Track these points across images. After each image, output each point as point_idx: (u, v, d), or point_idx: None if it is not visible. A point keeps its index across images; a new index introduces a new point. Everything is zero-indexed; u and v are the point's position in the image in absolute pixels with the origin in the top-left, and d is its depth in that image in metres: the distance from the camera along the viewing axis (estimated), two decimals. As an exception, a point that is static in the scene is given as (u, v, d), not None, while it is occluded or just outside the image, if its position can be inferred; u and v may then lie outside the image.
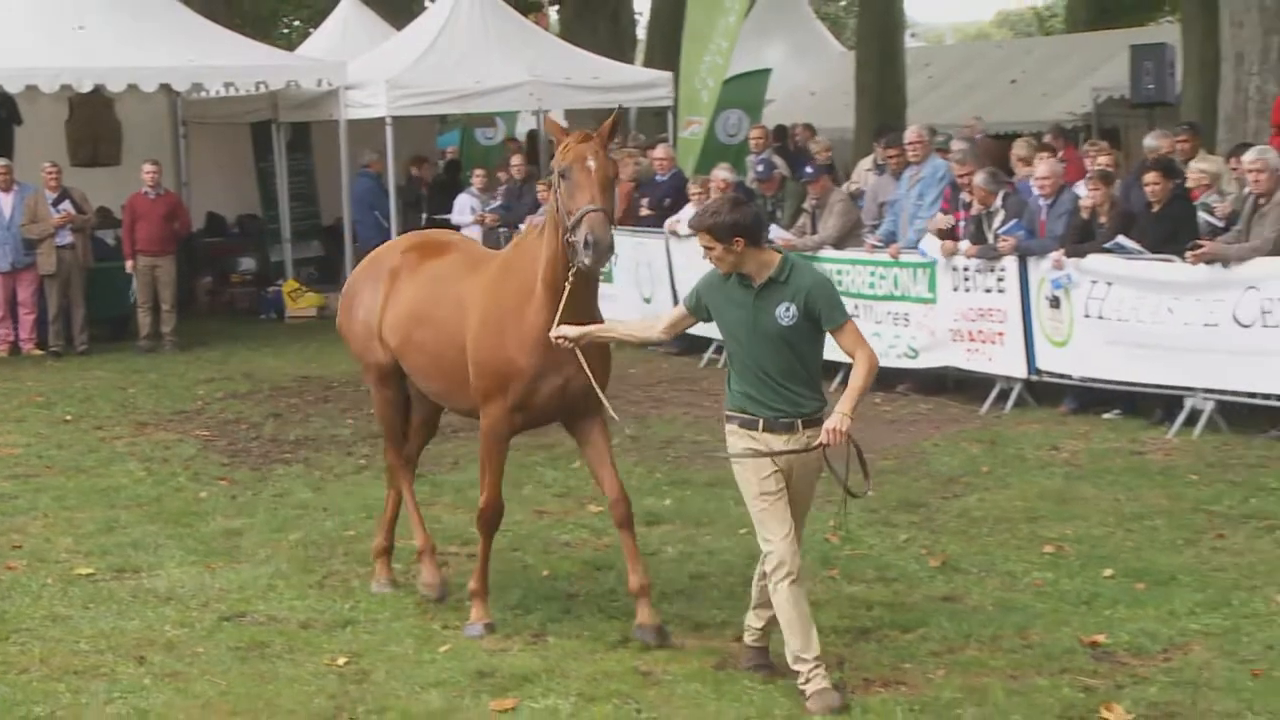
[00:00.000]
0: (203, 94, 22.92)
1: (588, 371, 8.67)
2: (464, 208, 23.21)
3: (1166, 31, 29.84)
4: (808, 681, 7.79)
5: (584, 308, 8.87)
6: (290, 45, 29.14)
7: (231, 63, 22.82)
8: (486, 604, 9.32)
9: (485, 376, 9.11)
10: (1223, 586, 9.89)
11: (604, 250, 8.55)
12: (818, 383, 8.21)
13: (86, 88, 21.96)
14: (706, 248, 8.06)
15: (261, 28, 28.30)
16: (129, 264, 21.71)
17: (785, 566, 7.82)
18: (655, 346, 16.79)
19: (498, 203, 22.91)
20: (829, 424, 7.85)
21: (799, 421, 8.04)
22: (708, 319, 8.48)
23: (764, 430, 8.03)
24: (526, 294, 9.01)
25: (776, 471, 8.02)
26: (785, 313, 7.90)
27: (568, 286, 8.67)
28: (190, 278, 23.56)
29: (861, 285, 17.38)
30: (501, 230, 22.44)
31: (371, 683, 8.58)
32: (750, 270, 8.01)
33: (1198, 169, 15.93)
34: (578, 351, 8.62)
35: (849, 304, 17.01)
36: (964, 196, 16.65)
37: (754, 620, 8.41)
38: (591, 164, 8.65)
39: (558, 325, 8.63)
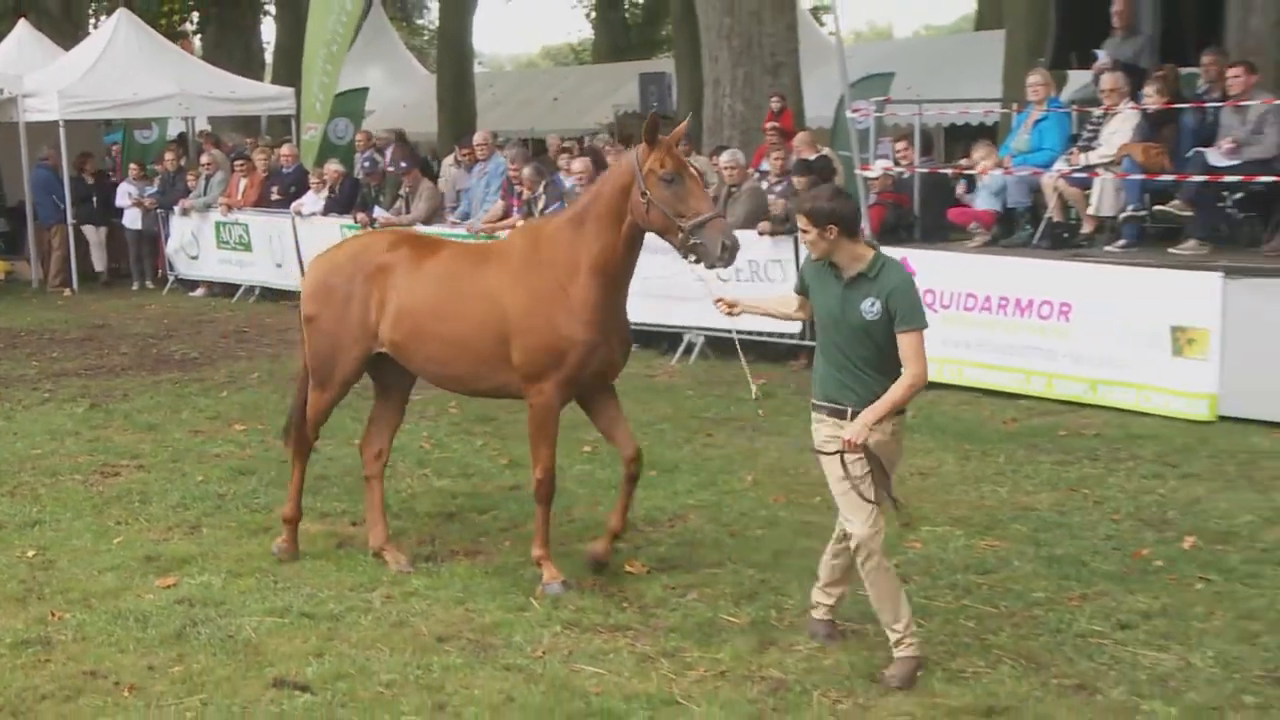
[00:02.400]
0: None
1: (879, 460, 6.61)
2: (124, 194, 22.47)
3: (665, 64, 30.58)
4: (897, 646, 6.50)
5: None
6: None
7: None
8: (552, 563, 7.82)
9: (539, 354, 7.68)
10: (711, 471, 10.18)
11: (736, 252, 7.30)
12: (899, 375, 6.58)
13: None
14: (802, 230, 6.64)
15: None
16: None
17: (864, 548, 6.47)
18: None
19: (154, 189, 22.35)
20: (845, 432, 6.44)
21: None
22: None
23: (850, 418, 6.48)
24: (568, 278, 7.68)
25: (859, 459, 6.48)
26: (870, 308, 6.45)
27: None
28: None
29: (444, 253, 17.27)
30: (159, 211, 21.88)
31: (57, 569, 8.23)
32: (842, 261, 6.56)
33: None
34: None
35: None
36: (516, 187, 16.75)
37: (823, 597, 6.99)
38: (695, 170, 7.49)
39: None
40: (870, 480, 6.49)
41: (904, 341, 6.40)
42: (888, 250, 13.19)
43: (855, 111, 14.87)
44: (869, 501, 6.49)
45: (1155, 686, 6.27)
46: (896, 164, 14.89)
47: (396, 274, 8.14)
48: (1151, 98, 13.05)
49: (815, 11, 35.75)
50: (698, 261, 7.36)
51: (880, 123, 15.31)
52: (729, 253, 7.20)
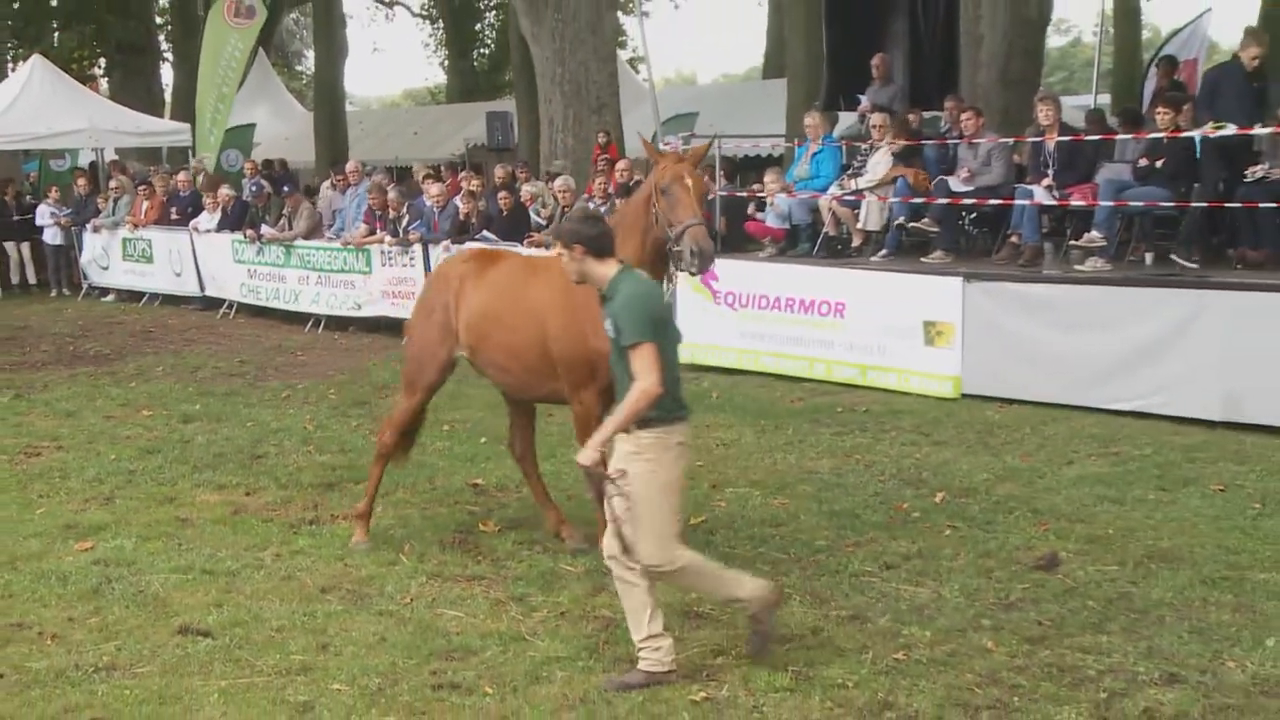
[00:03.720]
0: None
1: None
2: (44, 214, 21.70)
3: (508, 104, 30.39)
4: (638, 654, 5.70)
5: None
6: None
7: None
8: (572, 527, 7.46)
9: (576, 368, 6.99)
10: (551, 445, 10.05)
11: (708, 258, 6.59)
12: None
13: None
14: (559, 253, 5.82)
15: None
16: None
17: (614, 562, 5.69)
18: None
19: (68, 210, 21.64)
20: (579, 456, 5.60)
21: (634, 427, 5.52)
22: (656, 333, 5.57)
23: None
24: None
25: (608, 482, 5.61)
26: (610, 328, 5.63)
27: (668, 283, 6.87)
28: None
29: (323, 262, 16.97)
30: (74, 229, 21.18)
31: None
32: (594, 282, 5.73)
33: (529, 190, 16.24)
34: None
35: (314, 276, 16.99)
36: (376, 210, 16.52)
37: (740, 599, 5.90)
38: (689, 181, 6.62)
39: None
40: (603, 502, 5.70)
41: (630, 357, 5.46)
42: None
43: (666, 144, 14.91)
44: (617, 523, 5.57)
45: (914, 614, 6.40)
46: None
47: (468, 283, 7.55)
48: (880, 128, 13.40)
49: (632, 61, 35.81)
50: (678, 269, 6.82)
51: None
52: (698, 258, 6.53)
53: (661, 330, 5.57)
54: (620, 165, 15.93)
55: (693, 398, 7.52)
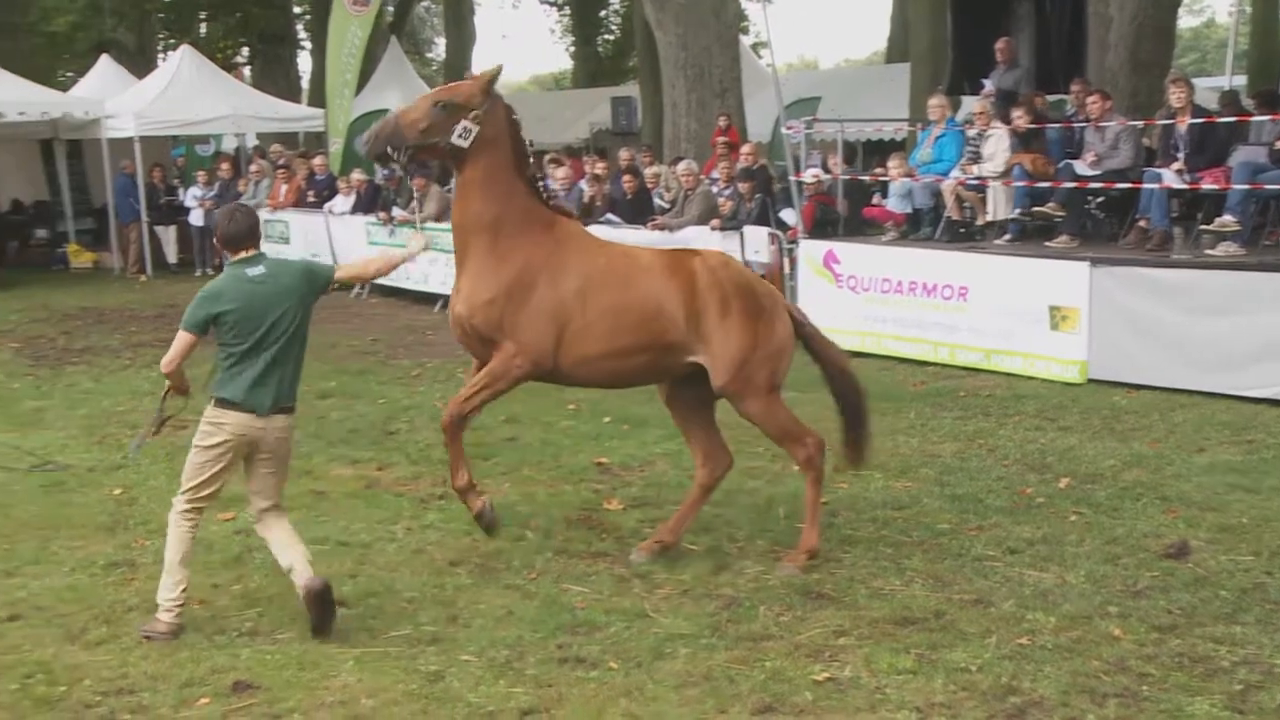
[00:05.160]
0: (3, 119, 21.45)
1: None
2: (190, 197, 22.35)
3: (632, 89, 30.37)
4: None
5: None
6: (64, 88, 27.50)
7: (21, 98, 21.53)
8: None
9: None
10: (673, 426, 10.03)
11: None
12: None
13: (-80, 114, 20.48)
14: None
15: (41, 76, 26.62)
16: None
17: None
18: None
19: (213, 193, 22.20)
20: None
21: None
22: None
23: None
24: None
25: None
26: None
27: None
28: (2, 242, 22.10)
29: (452, 245, 17.12)
30: (216, 211, 21.65)
31: (138, 505, 8.16)
32: None
33: (651, 172, 16.24)
34: None
35: (443, 257, 17.10)
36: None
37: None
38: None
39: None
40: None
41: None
42: (815, 243, 13.39)
43: (788, 129, 14.82)
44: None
45: (1038, 599, 6.27)
46: (826, 171, 14.86)
47: None
48: (1020, 118, 13.05)
49: (755, 47, 35.57)
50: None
51: (809, 138, 15.24)
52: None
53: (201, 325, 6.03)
54: (744, 149, 15.82)
55: (813, 382, 7.45)
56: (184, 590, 6.07)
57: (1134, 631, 5.85)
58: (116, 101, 23.15)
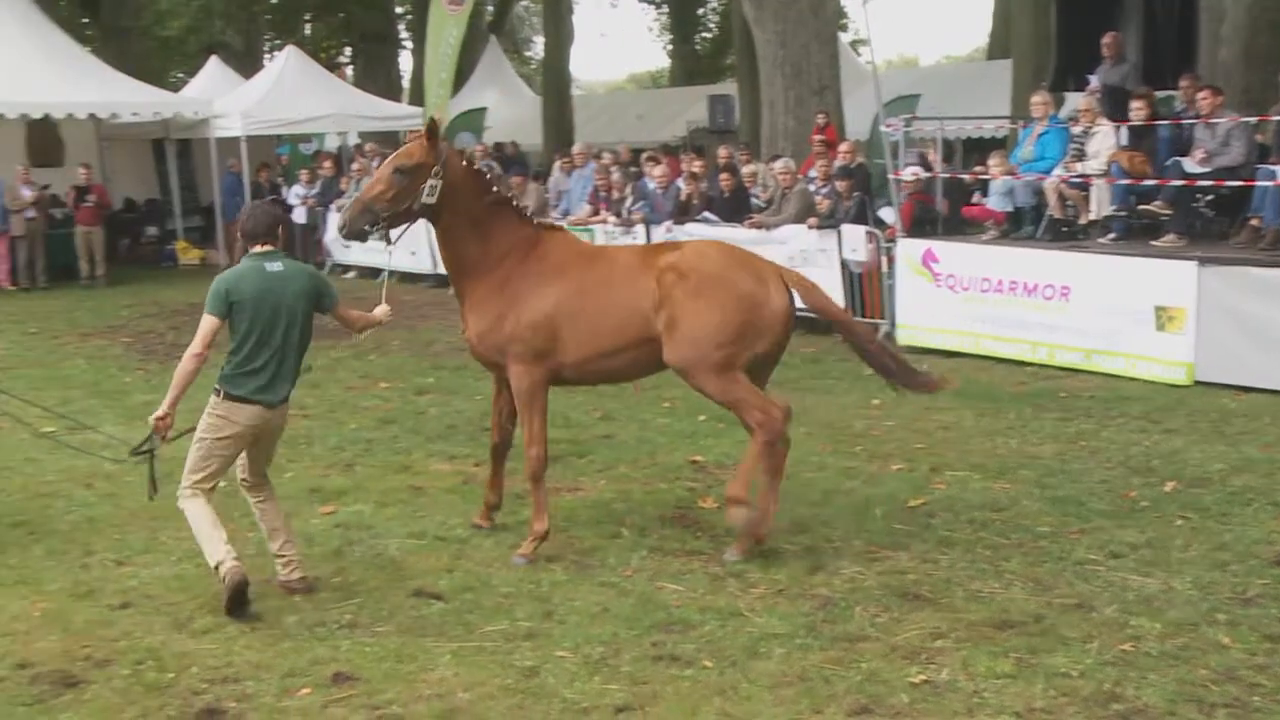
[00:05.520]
0: (116, 119, 22.06)
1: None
2: (294, 195, 22.77)
3: (729, 87, 30.34)
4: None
5: None
6: (176, 89, 28.23)
7: (135, 99, 22.12)
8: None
9: None
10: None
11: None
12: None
13: (39, 115, 21.09)
14: None
15: (155, 78, 27.36)
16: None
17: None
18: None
19: (314, 191, 22.58)
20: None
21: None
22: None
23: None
24: None
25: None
26: None
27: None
28: (113, 239, 22.75)
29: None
30: (319, 209, 22.05)
31: (241, 498, 8.19)
32: None
33: (749, 170, 16.19)
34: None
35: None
36: (601, 191, 16.75)
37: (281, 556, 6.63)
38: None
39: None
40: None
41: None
42: (914, 242, 13.24)
43: (887, 127, 14.67)
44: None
45: (1142, 605, 6.14)
46: (926, 168, 14.70)
47: None
48: (1140, 110, 12.77)
49: (854, 44, 35.31)
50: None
51: (908, 136, 15.08)
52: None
53: (222, 309, 6.31)
54: (842, 147, 15.70)
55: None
56: (227, 545, 6.25)
57: (1244, 640, 5.69)
58: (224, 101, 23.67)
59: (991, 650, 5.62)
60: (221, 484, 6.75)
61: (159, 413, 6.37)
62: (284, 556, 6.61)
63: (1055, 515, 7.59)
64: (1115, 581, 6.47)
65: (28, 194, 20.65)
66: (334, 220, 21.65)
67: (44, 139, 23.09)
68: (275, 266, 6.41)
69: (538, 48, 51.16)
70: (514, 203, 7.28)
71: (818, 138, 17.16)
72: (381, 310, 7.11)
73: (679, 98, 32.94)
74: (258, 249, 6.46)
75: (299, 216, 22.50)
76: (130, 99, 22.03)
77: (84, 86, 21.28)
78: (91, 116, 21.75)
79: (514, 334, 7.00)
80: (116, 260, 22.66)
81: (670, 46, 45.89)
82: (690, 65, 42.46)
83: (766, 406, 6.97)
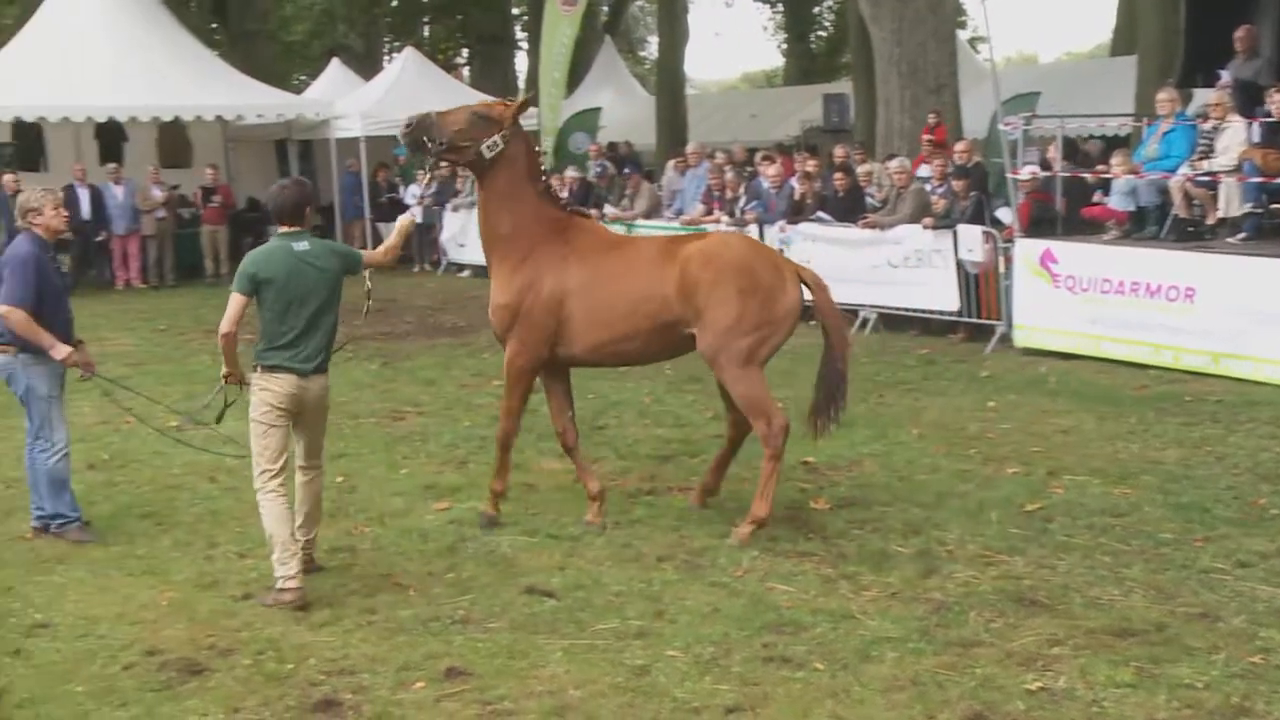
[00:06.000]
0: (242, 121, 22.60)
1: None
2: (411, 194, 23.03)
3: (844, 86, 30.05)
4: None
5: None
6: (298, 91, 28.88)
7: (260, 101, 22.67)
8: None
9: None
10: (882, 426, 9.99)
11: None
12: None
13: (169, 118, 21.70)
14: None
15: (279, 81, 28.02)
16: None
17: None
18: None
19: (431, 191, 22.82)
20: None
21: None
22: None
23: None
24: None
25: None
26: None
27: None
28: (237, 238, 23.26)
29: (661, 243, 17.28)
30: (436, 209, 22.30)
31: (358, 493, 8.46)
32: None
33: (864, 171, 16.05)
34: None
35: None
36: (715, 190, 16.71)
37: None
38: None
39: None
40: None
41: None
42: (1032, 242, 13.00)
43: (1006, 125, 14.42)
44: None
45: (1272, 616, 5.94)
46: (1044, 167, 14.42)
47: None
48: (1277, 105, 12.36)
49: (972, 41, 34.78)
50: None
51: (1027, 135, 14.81)
52: None
53: (248, 287, 6.51)
54: (958, 146, 15.48)
55: (1031, 381, 7.24)
56: (296, 559, 6.47)
57: (1377, 654, 5.50)
58: (344, 103, 24.15)
59: (1111, 659, 5.50)
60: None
61: (224, 372, 6.73)
62: (302, 540, 6.70)
63: (1178, 522, 7.39)
64: (1243, 591, 6.29)
65: (158, 194, 21.30)
66: (450, 219, 21.97)
67: (174, 141, 23.78)
68: (302, 246, 6.62)
69: (652, 48, 51.34)
70: (553, 191, 7.69)
71: (926, 138, 16.96)
72: (403, 220, 7.62)
73: (793, 97, 32.75)
74: (284, 229, 6.68)
75: (415, 216, 22.75)
76: (255, 101, 22.59)
77: (212, 89, 21.86)
78: (219, 118, 22.34)
79: (528, 311, 7.40)
80: (240, 259, 23.28)
81: (785, 45, 45.69)
82: (805, 64, 42.22)
83: (772, 417, 7.28)
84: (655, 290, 7.30)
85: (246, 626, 6.19)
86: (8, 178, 19.71)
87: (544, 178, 7.59)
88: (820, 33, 44.48)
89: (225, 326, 6.55)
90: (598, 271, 7.43)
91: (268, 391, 6.55)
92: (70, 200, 20.51)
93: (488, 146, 7.34)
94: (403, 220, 7.74)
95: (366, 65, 32.46)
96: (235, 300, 6.56)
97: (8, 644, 6.04)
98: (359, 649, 5.88)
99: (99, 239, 20.87)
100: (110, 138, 22.78)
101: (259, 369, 6.58)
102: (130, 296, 19.99)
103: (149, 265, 21.26)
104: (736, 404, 7.53)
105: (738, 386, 7.33)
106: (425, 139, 7.32)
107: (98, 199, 20.71)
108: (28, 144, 22.72)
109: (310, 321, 6.59)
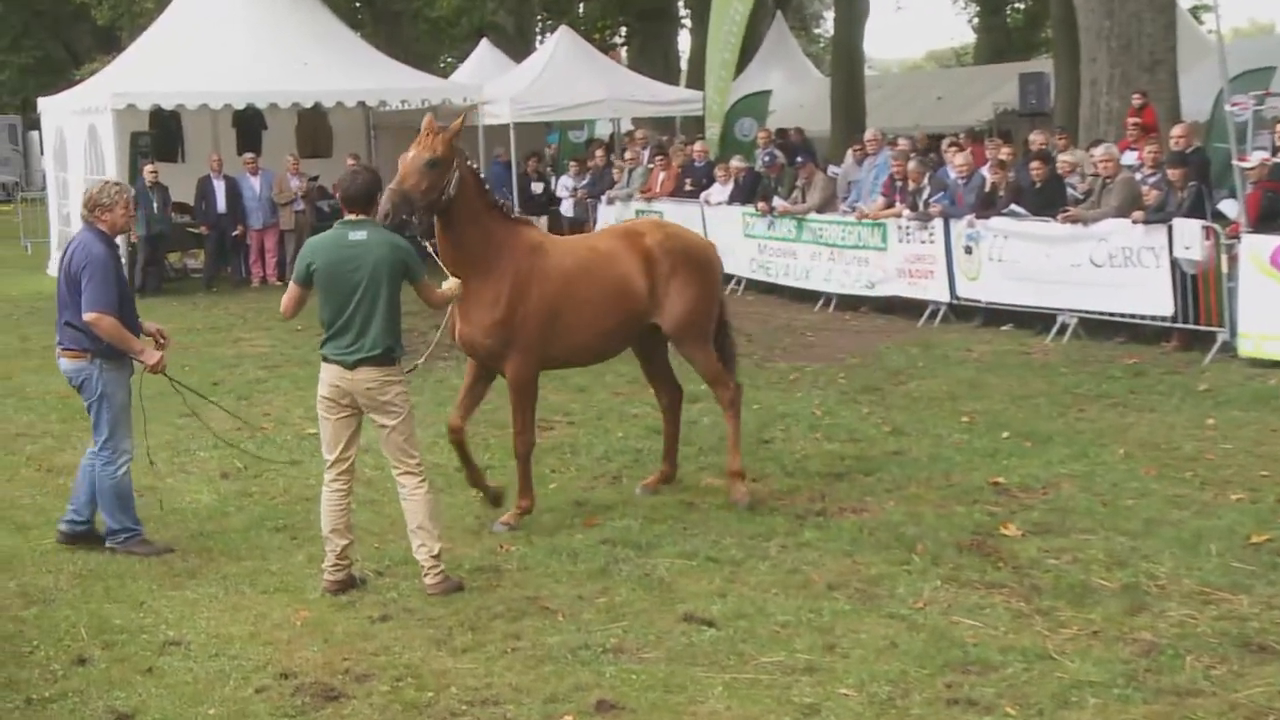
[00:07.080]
0: (386, 107, 23.11)
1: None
2: (563, 186, 23.36)
3: (1044, 64, 29.47)
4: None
5: None
6: (445, 74, 29.47)
7: (405, 85, 23.01)
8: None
9: None
10: (1083, 444, 9.77)
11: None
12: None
13: (309, 104, 22.22)
14: None
15: (425, 63, 28.61)
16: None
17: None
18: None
19: (585, 182, 23.05)
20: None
21: None
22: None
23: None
24: None
25: None
26: None
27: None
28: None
29: (835, 237, 17.16)
30: (589, 201, 22.50)
31: (504, 507, 8.56)
32: None
33: (1065, 159, 15.73)
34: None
35: (825, 251, 17.22)
36: (897, 181, 16.55)
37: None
38: (407, 154, 7.96)
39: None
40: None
41: None
42: (1261, 238, 12.56)
43: (1234, 105, 13.96)
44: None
45: None
46: (1277, 153, 13.92)
47: None
48: None
49: (1195, 10, 33.77)
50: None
51: (1259, 116, 14.32)
52: None
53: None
54: (1175, 130, 15.04)
55: (1258, 396, 7.00)
56: (346, 551, 7.10)
57: None
58: (493, 87, 24.43)
59: (1351, 714, 5.28)
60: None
61: None
62: (419, 562, 7.10)
63: None
64: None
65: (296, 185, 21.81)
66: (605, 213, 22.10)
67: (314, 128, 24.41)
68: (358, 235, 6.97)
69: (827, 24, 51.22)
70: (502, 204, 8.35)
71: (1132, 121, 16.51)
72: (451, 284, 7.67)
73: (985, 76, 32.23)
74: (349, 216, 7.06)
75: (566, 209, 22.99)
76: (399, 85, 22.86)
77: (354, 73, 22.21)
78: (361, 104, 22.74)
79: (523, 324, 8.03)
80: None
81: (976, 19, 45.00)
82: (999, 40, 41.49)
83: (730, 382, 8.86)
84: (629, 286, 8.35)
85: (384, 650, 6.33)
86: (147, 169, 20.53)
87: (486, 191, 8.17)
88: (1017, 4, 43.67)
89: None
90: (572, 274, 8.25)
91: (321, 383, 7.14)
92: (205, 192, 21.37)
93: (452, 187, 7.83)
94: (451, 286, 7.70)
95: (518, 46, 32.96)
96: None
97: (141, 662, 6.29)
98: (503, 678, 5.97)
99: (234, 233, 21.56)
100: (249, 126, 23.54)
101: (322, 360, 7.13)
102: (266, 295, 20.50)
103: (286, 261, 21.64)
104: (701, 376, 8.90)
105: (707, 367, 8.72)
106: (404, 215, 7.61)
107: (234, 191, 21.41)
108: (166, 134, 23.58)
109: (354, 312, 6.99)
